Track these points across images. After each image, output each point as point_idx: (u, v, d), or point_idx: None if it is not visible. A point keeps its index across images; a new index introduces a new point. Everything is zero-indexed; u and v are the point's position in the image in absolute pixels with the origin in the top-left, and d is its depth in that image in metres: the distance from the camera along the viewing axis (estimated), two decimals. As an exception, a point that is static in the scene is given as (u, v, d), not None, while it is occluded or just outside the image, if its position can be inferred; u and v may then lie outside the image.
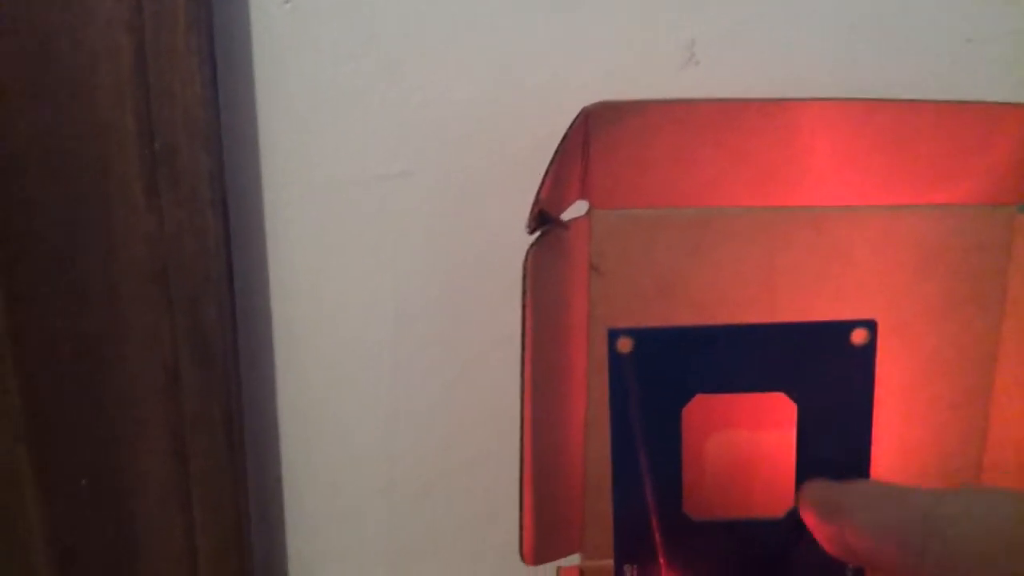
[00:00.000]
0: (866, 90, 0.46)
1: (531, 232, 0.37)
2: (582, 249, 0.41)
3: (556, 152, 0.37)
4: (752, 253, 0.42)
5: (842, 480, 0.36)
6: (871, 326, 0.37)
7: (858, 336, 0.37)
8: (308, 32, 0.47)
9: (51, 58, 0.44)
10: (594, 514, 0.43)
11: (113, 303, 0.47)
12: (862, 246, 0.42)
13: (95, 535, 0.51)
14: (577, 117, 0.38)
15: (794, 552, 0.38)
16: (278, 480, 0.54)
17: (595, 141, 0.39)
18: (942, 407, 0.44)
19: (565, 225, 0.39)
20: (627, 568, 0.39)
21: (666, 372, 0.38)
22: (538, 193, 0.36)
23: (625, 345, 0.37)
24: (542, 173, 0.36)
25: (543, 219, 0.37)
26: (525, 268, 0.37)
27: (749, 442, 0.42)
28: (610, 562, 0.40)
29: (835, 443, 0.38)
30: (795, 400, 0.38)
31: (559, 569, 0.44)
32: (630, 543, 0.39)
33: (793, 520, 0.38)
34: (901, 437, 0.44)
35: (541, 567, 0.43)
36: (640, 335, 0.37)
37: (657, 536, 0.39)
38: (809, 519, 0.35)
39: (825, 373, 0.37)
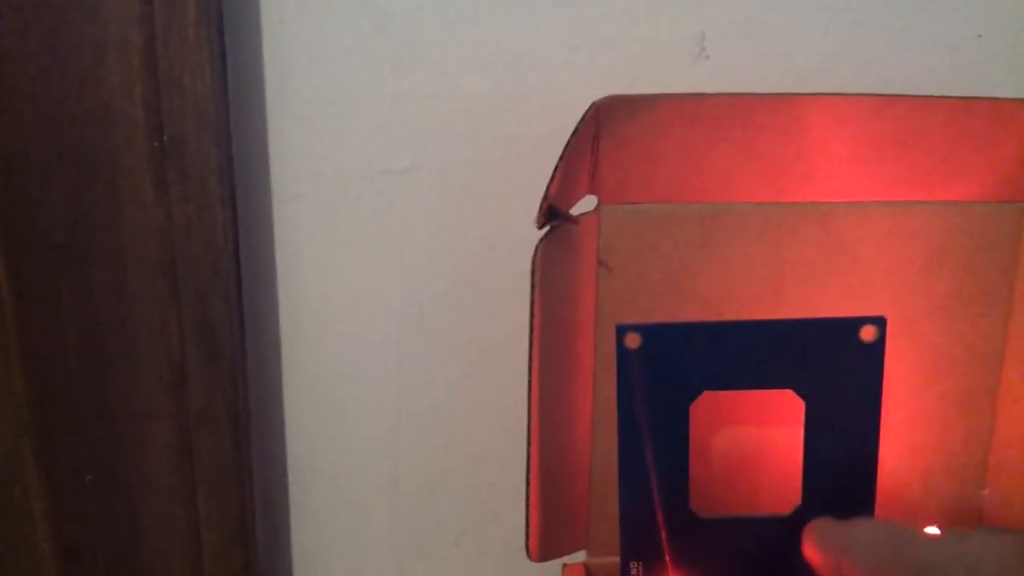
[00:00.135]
0: (876, 86, 0.46)
1: (540, 227, 0.37)
2: (591, 244, 0.41)
3: (566, 147, 0.37)
4: (760, 249, 0.42)
5: (843, 478, 0.37)
6: (880, 323, 0.37)
7: (867, 333, 0.37)
8: (317, 26, 0.47)
9: (60, 50, 0.44)
10: (600, 511, 0.43)
11: (120, 297, 0.47)
12: (870, 243, 0.42)
13: (100, 531, 0.51)
14: (588, 111, 0.38)
15: (800, 549, 0.37)
16: (283, 476, 0.54)
17: (605, 135, 0.39)
18: (949, 405, 0.44)
19: (574, 220, 0.39)
20: (633, 565, 0.39)
21: (674, 368, 0.38)
22: (547, 188, 0.36)
23: (633, 341, 0.37)
24: (551, 168, 0.36)
25: (552, 214, 0.37)
26: (534, 263, 0.37)
27: (756, 439, 0.42)
28: (616, 559, 0.40)
29: (843, 440, 0.38)
30: (803, 397, 0.38)
31: (564, 566, 0.44)
32: (636, 540, 0.39)
33: (799, 517, 0.38)
34: (908, 435, 0.44)
35: (546, 564, 0.43)
36: (648, 331, 0.37)
37: (663, 533, 0.39)
38: (811, 556, 0.35)
39: (833, 370, 0.37)
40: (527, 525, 0.41)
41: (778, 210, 0.41)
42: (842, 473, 0.38)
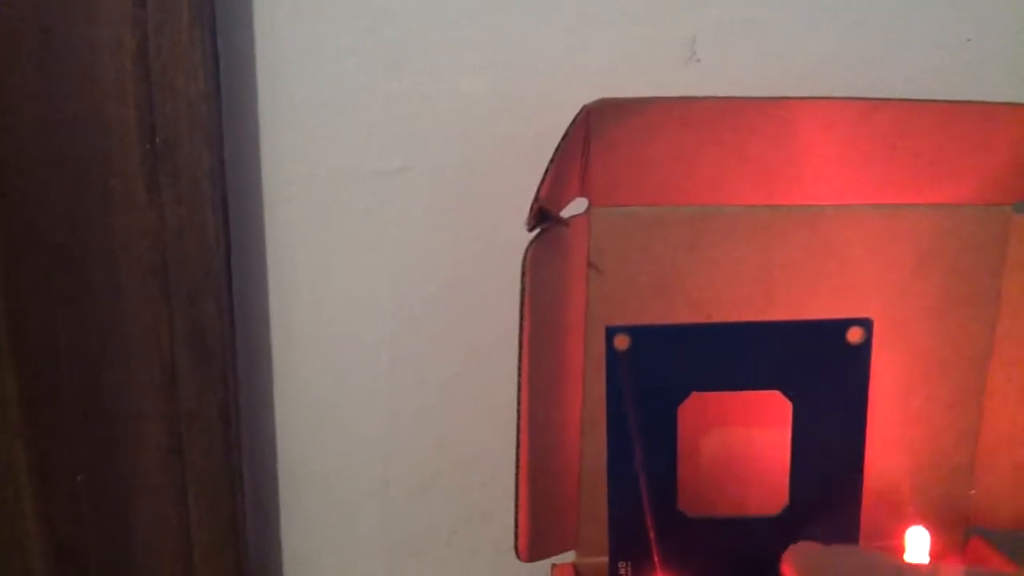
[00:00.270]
0: (866, 89, 0.46)
1: (531, 229, 0.37)
2: (581, 246, 0.41)
3: (557, 149, 0.37)
4: (750, 251, 0.42)
5: (830, 479, 0.37)
6: (867, 325, 0.37)
7: (854, 335, 0.37)
8: (309, 28, 0.47)
9: (54, 53, 0.44)
10: (589, 511, 0.43)
11: (113, 298, 0.47)
12: (859, 245, 0.42)
13: (91, 531, 0.50)
14: (578, 114, 0.38)
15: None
16: (274, 476, 0.54)
17: (596, 138, 0.39)
18: (937, 406, 0.44)
19: (565, 222, 0.39)
20: (622, 565, 0.40)
21: (663, 369, 0.38)
22: (538, 190, 0.36)
23: (622, 342, 0.37)
24: (542, 170, 0.36)
25: (543, 216, 0.37)
26: (524, 265, 0.37)
27: (744, 440, 0.42)
28: (604, 559, 0.40)
29: (830, 441, 0.38)
30: (790, 398, 0.38)
31: (553, 566, 0.44)
32: (625, 540, 0.39)
33: (787, 518, 0.39)
34: (896, 436, 0.44)
35: (536, 564, 0.43)
36: (637, 332, 0.37)
37: (652, 533, 0.39)
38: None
39: (821, 371, 0.38)
40: (516, 525, 0.41)
41: (767, 213, 0.42)
42: (829, 474, 0.39)
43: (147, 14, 0.43)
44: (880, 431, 0.41)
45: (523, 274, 0.37)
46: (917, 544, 0.43)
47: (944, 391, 0.44)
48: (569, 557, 0.44)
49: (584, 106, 0.38)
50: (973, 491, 0.45)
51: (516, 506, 0.41)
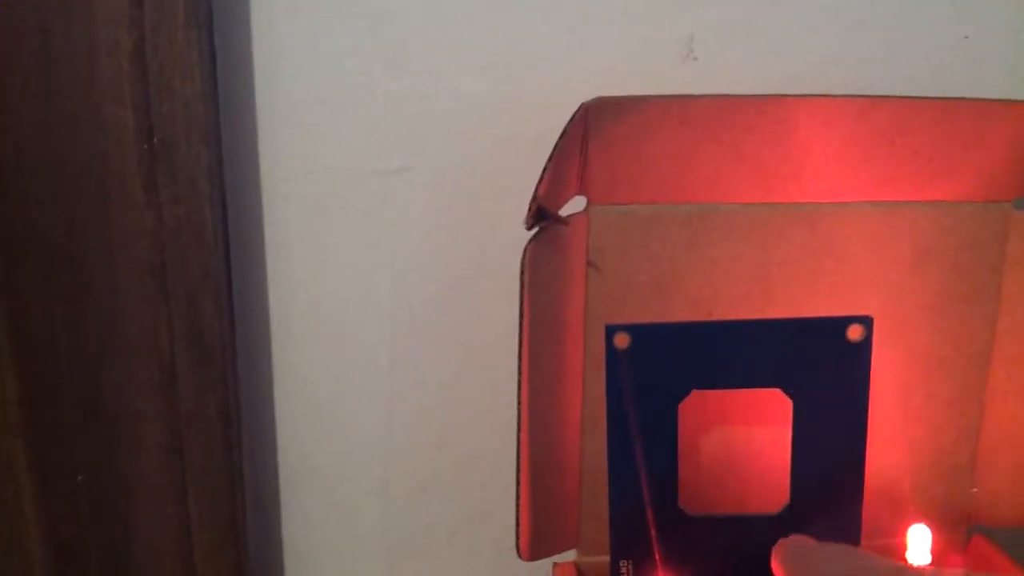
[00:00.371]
0: (863, 87, 0.46)
1: (529, 228, 0.37)
2: (580, 245, 0.41)
3: (555, 147, 0.37)
4: (748, 249, 0.42)
5: (831, 477, 0.36)
6: (867, 322, 0.37)
7: (854, 332, 0.37)
8: (307, 27, 0.47)
9: (50, 53, 0.44)
10: (590, 510, 0.43)
11: (111, 298, 0.47)
12: (857, 243, 0.42)
13: (91, 531, 0.50)
14: (576, 112, 0.38)
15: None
16: (274, 476, 0.54)
17: (594, 136, 0.39)
18: (937, 404, 0.44)
19: (563, 221, 0.39)
20: (623, 563, 0.39)
21: (663, 368, 0.38)
22: (536, 189, 0.36)
23: (622, 341, 0.37)
24: (541, 168, 0.36)
25: (541, 215, 0.37)
26: (523, 264, 0.37)
27: (745, 438, 0.42)
28: (606, 558, 0.40)
29: (830, 439, 0.38)
30: (791, 396, 0.38)
31: (555, 565, 0.44)
32: (626, 538, 0.39)
33: (787, 516, 0.38)
34: (897, 434, 0.44)
35: (537, 563, 0.43)
36: (637, 331, 0.37)
37: (653, 531, 0.39)
38: (777, 572, 0.35)
39: (821, 369, 0.38)
40: (517, 524, 0.41)
41: (765, 210, 0.42)
42: (830, 472, 0.39)
43: (144, 14, 0.43)
44: (880, 429, 0.41)
45: (522, 273, 0.37)
46: (919, 542, 0.43)
47: (944, 389, 0.44)
48: (570, 556, 0.44)
49: (582, 104, 0.38)
50: (975, 489, 0.45)
51: (517, 505, 0.41)
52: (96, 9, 0.44)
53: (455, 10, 0.47)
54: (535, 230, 0.37)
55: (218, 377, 0.48)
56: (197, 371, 0.48)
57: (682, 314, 0.42)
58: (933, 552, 0.43)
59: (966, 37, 0.48)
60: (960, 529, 0.45)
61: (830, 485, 0.39)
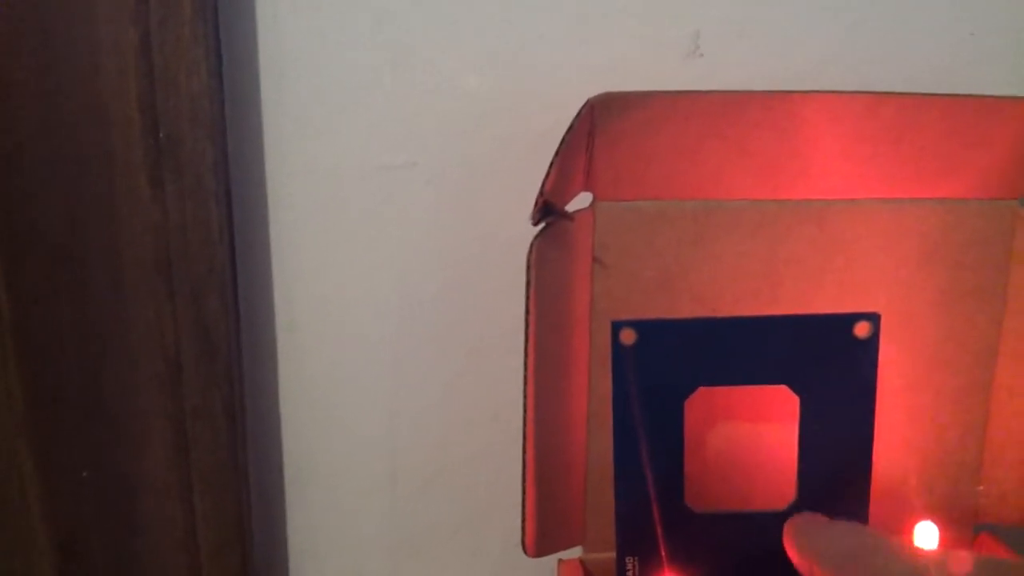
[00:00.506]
0: (869, 83, 0.46)
1: (535, 224, 0.37)
2: (586, 241, 0.41)
3: (561, 143, 0.37)
4: (754, 246, 0.42)
5: (838, 474, 0.36)
6: (874, 319, 0.37)
7: (861, 329, 0.37)
8: (313, 22, 0.47)
9: (56, 49, 0.44)
10: (596, 506, 0.43)
11: (116, 294, 0.47)
12: (864, 240, 0.42)
13: (96, 528, 0.50)
14: (582, 108, 0.38)
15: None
16: (280, 473, 0.54)
17: (600, 132, 0.39)
18: (944, 402, 0.44)
19: (569, 217, 0.39)
20: (629, 560, 0.39)
21: (669, 364, 0.38)
22: (543, 185, 0.36)
23: (628, 337, 0.37)
24: (547, 164, 0.36)
25: (547, 211, 0.37)
26: (529, 260, 0.37)
27: (751, 435, 0.42)
28: (611, 555, 0.40)
29: (837, 436, 0.38)
30: (797, 393, 0.38)
31: (560, 562, 0.44)
32: (632, 535, 0.39)
33: (794, 513, 0.38)
34: (903, 431, 0.44)
35: (542, 559, 0.43)
36: (643, 327, 0.37)
37: (659, 528, 0.39)
38: (788, 548, 0.35)
39: (828, 366, 0.38)
40: (523, 521, 0.41)
41: (772, 207, 0.41)
42: (837, 469, 0.38)
43: (149, 9, 0.43)
44: (886, 426, 0.41)
45: (528, 269, 0.37)
46: (925, 540, 0.43)
47: (950, 386, 0.44)
48: (576, 553, 0.44)
49: (588, 100, 0.38)
50: (981, 487, 0.45)
51: (523, 502, 0.41)
52: (101, 5, 0.43)
53: (461, 6, 0.47)
54: (541, 226, 0.37)
55: (223, 374, 0.48)
56: (202, 367, 0.48)
57: (687, 310, 0.42)
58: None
59: (971, 34, 0.48)
60: (967, 526, 0.45)
61: (837, 482, 0.38)
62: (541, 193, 0.36)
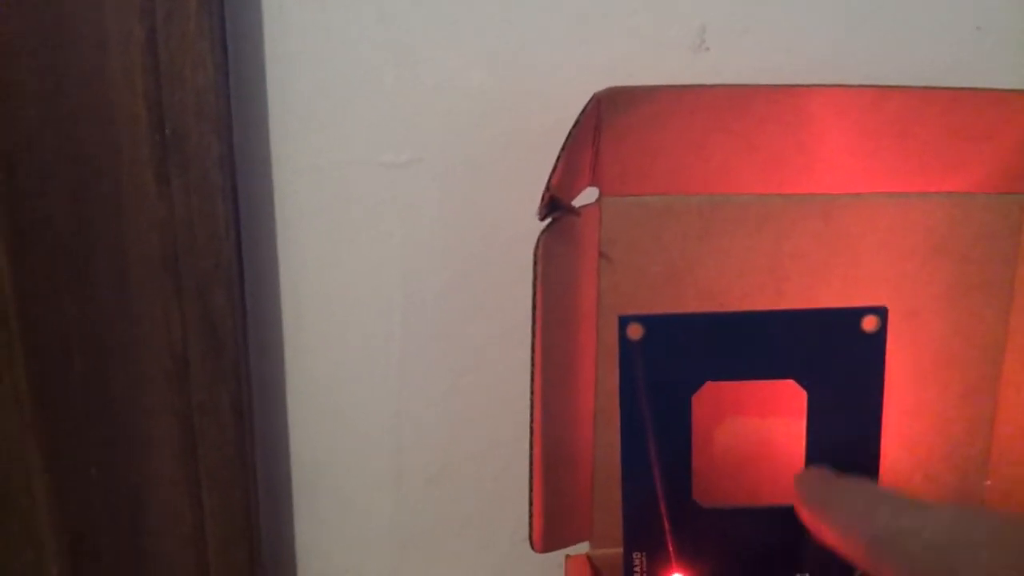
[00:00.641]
0: (876, 77, 0.46)
1: (542, 219, 0.37)
2: (592, 236, 0.41)
3: (567, 138, 0.37)
4: (761, 241, 0.42)
5: (846, 469, 0.36)
6: (882, 313, 0.37)
7: (869, 323, 0.37)
8: (319, 17, 0.47)
9: (61, 44, 0.44)
10: (603, 502, 0.43)
11: (122, 290, 0.47)
12: (870, 234, 0.42)
13: (104, 524, 0.51)
14: (588, 103, 0.38)
15: (803, 540, 0.37)
16: (286, 468, 0.54)
17: (606, 127, 0.39)
18: (951, 396, 0.44)
19: (576, 212, 0.39)
20: (636, 556, 0.39)
21: (676, 359, 0.38)
22: (549, 180, 0.36)
23: (635, 332, 0.37)
24: (553, 159, 0.36)
25: (554, 206, 0.37)
26: (536, 255, 0.37)
27: (759, 429, 0.42)
28: (619, 550, 0.40)
29: (845, 431, 0.38)
30: (805, 387, 0.38)
31: (568, 557, 0.44)
32: (639, 530, 0.39)
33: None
34: (909, 426, 0.44)
35: (549, 555, 0.43)
36: (650, 322, 0.37)
37: (666, 524, 0.39)
38: (796, 502, 0.35)
39: (835, 360, 0.38)
40: (530, 517, 0.41)
41: (778, 201, 0.41)
42: (844, 463, 0.38)
43: (155, 4, 0.43)
44: (893, 421, 0.41)
45: (535, 264, 0.37)
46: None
47: (957, 380, 0.44)
48: (583, 548, 0.44)
49: (594, 94, 0.38)
50: (988, 481, 0.45)
51: (530, 497, 0.41)
52: (107, 0, 0.43)
53: (466, 2, 0.47)
54: (547, 221, 0.37)
55: (230, 370, 0.48)
56: (209, 364, 0.48)
57: (694, 305, 0.42)
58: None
59: (978, 28, 0.48)
60: (973, 521, 0.45)
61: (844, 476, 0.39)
62: (547, 188, 0.36)
